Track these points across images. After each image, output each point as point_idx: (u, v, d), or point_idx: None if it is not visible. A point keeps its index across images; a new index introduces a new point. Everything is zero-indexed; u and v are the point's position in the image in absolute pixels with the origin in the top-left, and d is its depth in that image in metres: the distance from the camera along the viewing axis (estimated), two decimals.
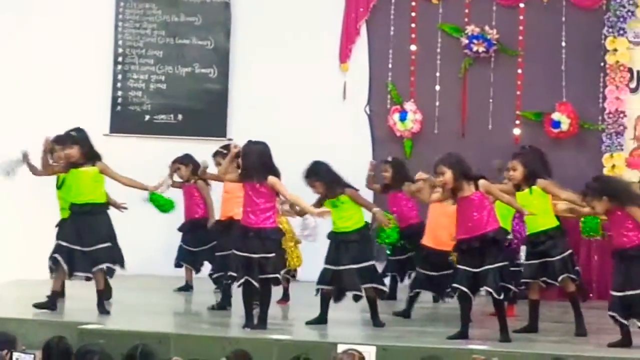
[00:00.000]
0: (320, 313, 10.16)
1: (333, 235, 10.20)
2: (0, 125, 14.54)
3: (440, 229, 10.57)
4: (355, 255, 10.07)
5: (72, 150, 10.41)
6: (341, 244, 10.15)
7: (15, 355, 6.47)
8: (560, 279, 9.15)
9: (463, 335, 8.82)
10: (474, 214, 9.22)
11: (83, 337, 8.73)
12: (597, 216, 10.07)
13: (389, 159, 11.41)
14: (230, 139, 12.84)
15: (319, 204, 10.01)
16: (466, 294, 9.13)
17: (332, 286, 10.20)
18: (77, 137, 10.61)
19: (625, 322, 8.63)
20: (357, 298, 10.04)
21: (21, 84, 14.67)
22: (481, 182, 9.07)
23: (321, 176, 9.96)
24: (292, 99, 13.97)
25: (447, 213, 10.04)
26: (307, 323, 10.08)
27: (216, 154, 11.47)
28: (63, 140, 10.63)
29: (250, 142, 9.71)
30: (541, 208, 9.80)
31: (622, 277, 8.44)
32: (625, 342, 8.10)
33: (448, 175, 8.72)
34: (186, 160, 12.20)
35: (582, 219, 10.53)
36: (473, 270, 9.11)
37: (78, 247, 10.47)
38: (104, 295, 10.76)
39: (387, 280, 11.37)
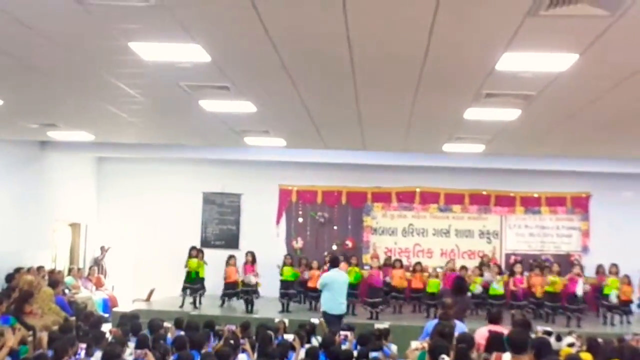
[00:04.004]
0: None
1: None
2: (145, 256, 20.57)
3: None
4: None
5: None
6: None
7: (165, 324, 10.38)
8: None
9: None
10: None
11: (191, 317, 12.90)
12: None
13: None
14: (240, 250, 19.11)
15: None
16: None
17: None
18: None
19: None
20: None
21: (162, 234, 20.82)
22: None
23: None
24: (261, 236, 20.20)
25: None
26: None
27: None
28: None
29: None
30: None
31: None
32: None
33: None
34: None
35: None
36: None
37: (192, 285, 17.03)
38: (198, 301, 16.90)
39: None
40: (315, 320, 11.78)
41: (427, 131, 13.95)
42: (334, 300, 12.94)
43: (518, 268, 17.17)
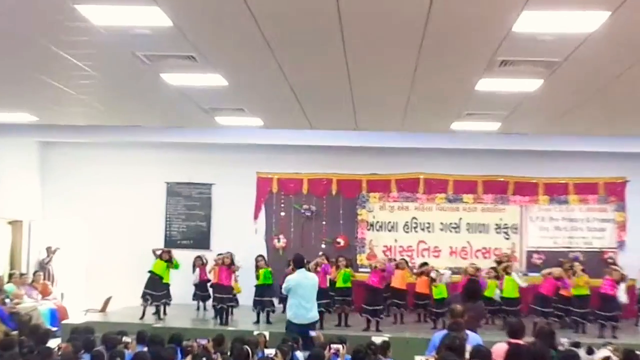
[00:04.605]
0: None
1: None
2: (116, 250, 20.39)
3: None
4: None
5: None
6: None
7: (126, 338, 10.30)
8: None
9: None
10: None
11: (155, 330, 12.89)
12: None
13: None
14: (211, 251, 19.17)
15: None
16: None
17: None
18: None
19: None
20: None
21: (123, 231, 20.65)
22: None
23: None
24: (236, 234, 19.79)
25: None
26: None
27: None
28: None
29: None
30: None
31: None
32: None
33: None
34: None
35: None
36: None
37: (154, 292, 16.66)
38: (163, 312, 16.76)
39: None
40: (312, 333, 11.80)
41: (431, 107, 13.99)
42: (299, 307, 12.81)
43: (557, 271, 16.81)
